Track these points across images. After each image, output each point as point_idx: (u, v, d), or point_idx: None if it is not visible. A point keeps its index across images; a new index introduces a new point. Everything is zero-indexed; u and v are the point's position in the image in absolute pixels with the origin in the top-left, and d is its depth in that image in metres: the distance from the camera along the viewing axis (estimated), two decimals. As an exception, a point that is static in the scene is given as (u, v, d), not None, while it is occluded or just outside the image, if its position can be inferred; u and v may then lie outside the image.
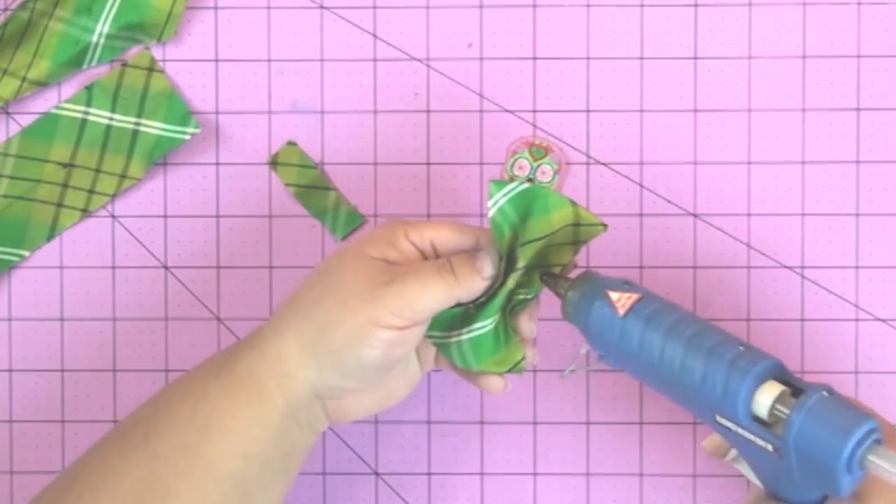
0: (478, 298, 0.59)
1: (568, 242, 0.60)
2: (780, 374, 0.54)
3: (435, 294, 0.57)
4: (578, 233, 0.60)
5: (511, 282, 0.59)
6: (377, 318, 0.56)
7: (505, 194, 0.58)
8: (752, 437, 0.53)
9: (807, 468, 0.52)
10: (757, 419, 0.53)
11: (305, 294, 0.59)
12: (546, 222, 0.59)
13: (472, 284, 0.58)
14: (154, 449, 0.57)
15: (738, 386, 0.53)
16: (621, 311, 0.56)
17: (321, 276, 0.59)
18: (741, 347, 0.54)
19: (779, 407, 0.52)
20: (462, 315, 0.60)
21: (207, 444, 0.57)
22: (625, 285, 0.58)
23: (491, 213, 0.58)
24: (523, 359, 0.61)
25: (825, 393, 0.52)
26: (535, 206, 0.59)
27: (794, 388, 0.53)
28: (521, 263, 0.58)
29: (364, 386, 0.60)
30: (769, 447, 0.53)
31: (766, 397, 0.52)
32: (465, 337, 0.60)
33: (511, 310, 0.61)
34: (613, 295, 0.57)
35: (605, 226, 0.60)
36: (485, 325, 0.59)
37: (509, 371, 0.61)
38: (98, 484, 0.57)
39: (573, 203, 0.59)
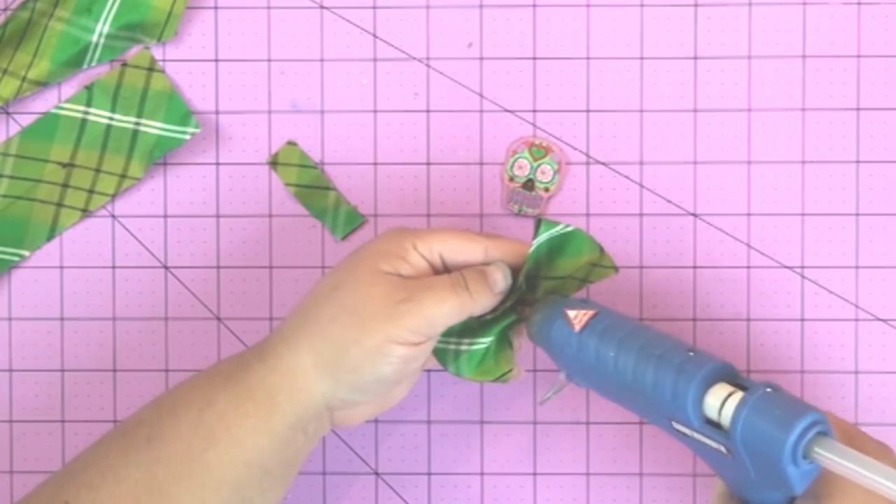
0: (486, 313, 0.60)
1: (578, 278, 0.62)
2: (730, 376, 0.54)
3: (451, 310, 0.58)
4: (591, 272, 0.62)
5: (512, 299, 0.60)
6: (394, 337, 0.57)
7: (549, 235, 0.60)
8: (706, 440, 0.54)
9: (758, 465, 0.52)
10: (710, 422, 0.53)
11: (319, 310, 0.59)
12: (574, 264, 0.61)
13: (486, 300, 0.59)
14: (156, 452, 0.57)
15: (685, 389, 0.53)
16: (577, 328, 0.58)
17: (335, 291, 0.59)
18: (690, 353, 0.55)
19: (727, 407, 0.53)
20: (462, 325, 0.61)
21: (211, 451, 0.57)
22: (582, 303, 0.59)
23: (531, 249, 0.60)
24: (510, 370, 0.62)
25: (768, 389, 0.52)
26: (569, 248, 0.61)
27: (745, 389, 0.53)
28: (538, 294, 0.60)
29: (375, 398, 0.61)
30: (722, 449, 0.53)
31: (715, 399, 0.53)
32: (464, 348, 0.61)
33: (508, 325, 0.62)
34: (570, 313, 0.59)
35: (616, 269, 0.62)
36: (486, 342, 0.60)
37: (495, 380, 0.62)
38: (97, 482, 0.57)
39: (602, 249, 0.61)
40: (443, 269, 0.61)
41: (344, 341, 0.58)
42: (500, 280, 0.59)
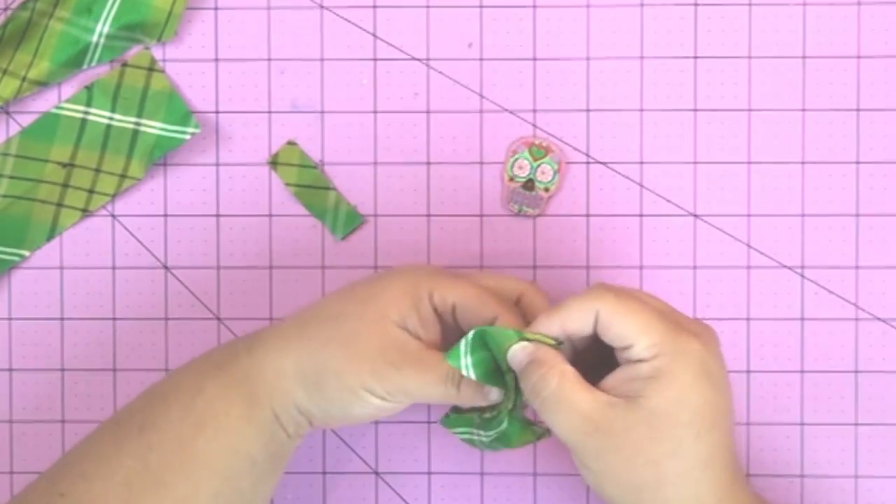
0: (486, 408, 0.60)
1: None
2: None
3: (431, 395, 0.58)
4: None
5: (510, 403, 0.58)
6: (371, 389, 0.57)
7: (463, 351, 0.57)
8: None
9: None
10: None
11: (317, 327, 0.59)
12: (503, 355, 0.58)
13: (472, 401, 0.58)
14: (148, 440, 0.58)
15: None
16: None
17: (339, 316, 0.59)
18: None
19: None
20: (467, 419, 0.61)
21: (201, 438, 0.58)
22: None
23: (469, 374, 0.57)
24: (547, 430, 0.60)
25: None
26: (490, 343, 0.57)
27: None
28: (512, 379, 0.58)
29: (350, 425, 0.61)
30: None
31: None
32: (485, 438, 0.60)
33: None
34: None
35: (560, 343, 0.57)
36: (500, 428, 0.59)
37: (538, 440, 0.61)
38: (91, 472, 0.58)
39: (518, 332, 0.57)
40: (452, 322, 0.60)
41: (326, 369, 0.58)
42: (495, 393, 0.58)
